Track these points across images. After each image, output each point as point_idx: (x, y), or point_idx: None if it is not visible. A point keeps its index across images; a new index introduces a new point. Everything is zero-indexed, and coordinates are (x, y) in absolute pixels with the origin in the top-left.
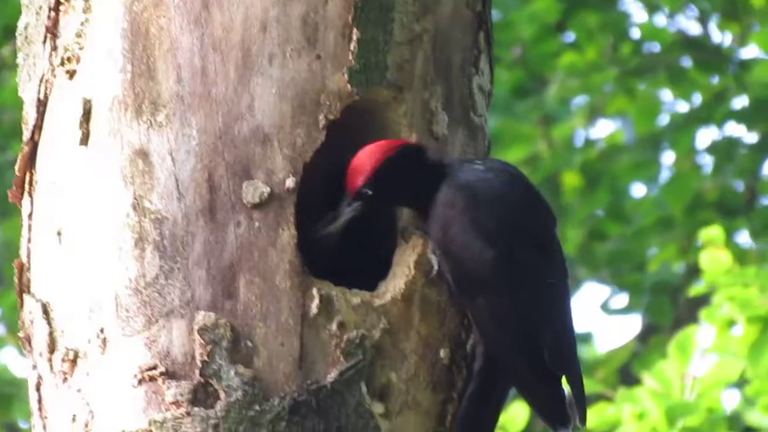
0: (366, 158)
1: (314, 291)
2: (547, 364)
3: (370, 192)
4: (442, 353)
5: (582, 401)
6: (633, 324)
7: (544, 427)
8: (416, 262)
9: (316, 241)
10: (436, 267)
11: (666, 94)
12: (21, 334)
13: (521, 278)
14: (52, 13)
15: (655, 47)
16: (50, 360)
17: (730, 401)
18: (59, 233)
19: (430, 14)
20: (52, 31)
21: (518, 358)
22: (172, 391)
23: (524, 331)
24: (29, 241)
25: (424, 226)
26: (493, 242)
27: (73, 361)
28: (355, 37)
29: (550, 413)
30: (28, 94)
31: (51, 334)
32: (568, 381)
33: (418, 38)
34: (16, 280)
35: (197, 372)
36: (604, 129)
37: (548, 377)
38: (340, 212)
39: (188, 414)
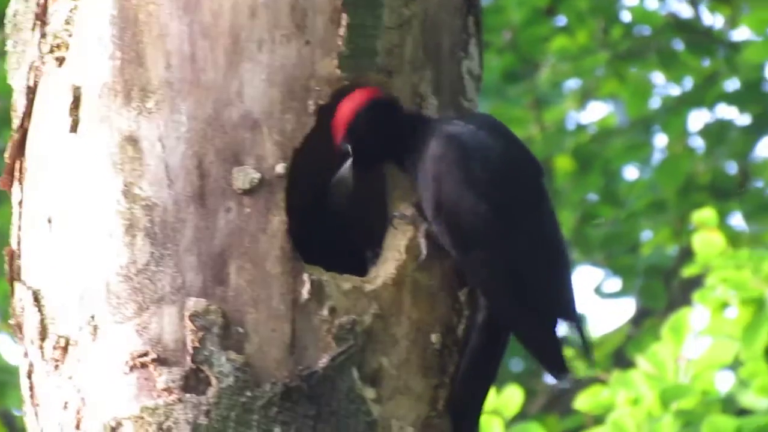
0: (340, 115)
1: (305, 276)
2: (547, 310)
3: (349, 146)
4: (434, 338)
5: (588, 343)
6: (626, 307)
7: (539, 410)
8: (407, 246)
9: (330, 196)
10: (424, 252)
11: (658, 77)
12: (12, 322)
13: (516, 230)
14: (41, 0)
15: (646, 30)
16: (41, 347)
17: (724, 383)
18: (49, 220)
19: None
20: (41, 17)
21: (517, 309)
22: (163, 377)
23: (522, 282)
24: (19, 228)
25: (412, 183)
26: (487, 195)
27: (64, 349)
28: (344, 23)
29: (551, 362)
30: (18, 81)
31: (42, 321)
32: (574, 327)
33: (408, 23)
34: (6, 267)
35: (189, 358)
36: (596, 112)
37: (547, 327)
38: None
39: (180, 400)
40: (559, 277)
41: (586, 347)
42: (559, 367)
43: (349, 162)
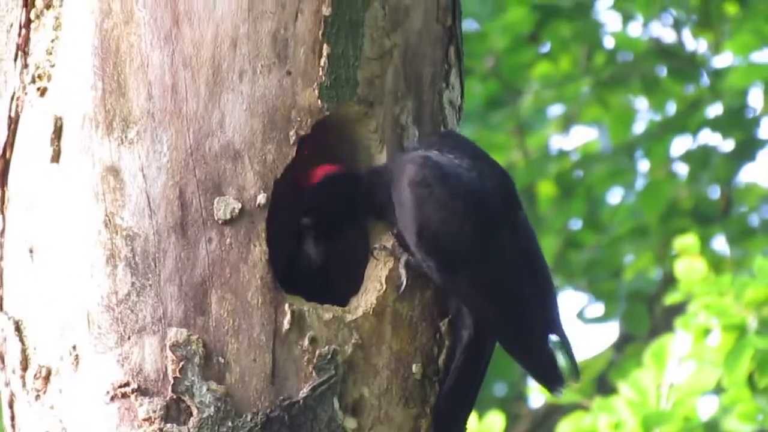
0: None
1: (286, 307)
2: (537, 322)
3: (309, 223)
4: (414, 368)
5: (573, 358)
6: (609, 332)
7: None
8: (387, 277)
9: (297, 264)
10: (404, 282)
11: (641, 103)
12: None
13: (500, 246)
14: (23, 31)
15: (629, 56)
16: (23, 377)
17: (706, 409)
18: (31, 250)
19: (400, 29)
20: (23, 48)
21: (510, 322)
22: (144, 407)
23: (511, 296)
24: (1, 258)
25: (390, 220)
26: (469, 214)
27: (46, 378)
28: (325, 53)
29: (546, 374)
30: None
31: (23, 351)
32: (560, 340)
33: (389, 53)
34: None
35: (169, 388)
36: (579, 137)
37: (538, 340)
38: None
39: (161, 430)
40: (544, 290)
41: (573, 366)
42: (553, 379)
43: (309, 239)
